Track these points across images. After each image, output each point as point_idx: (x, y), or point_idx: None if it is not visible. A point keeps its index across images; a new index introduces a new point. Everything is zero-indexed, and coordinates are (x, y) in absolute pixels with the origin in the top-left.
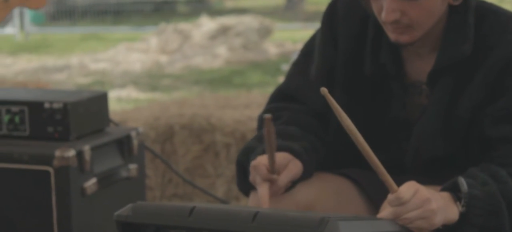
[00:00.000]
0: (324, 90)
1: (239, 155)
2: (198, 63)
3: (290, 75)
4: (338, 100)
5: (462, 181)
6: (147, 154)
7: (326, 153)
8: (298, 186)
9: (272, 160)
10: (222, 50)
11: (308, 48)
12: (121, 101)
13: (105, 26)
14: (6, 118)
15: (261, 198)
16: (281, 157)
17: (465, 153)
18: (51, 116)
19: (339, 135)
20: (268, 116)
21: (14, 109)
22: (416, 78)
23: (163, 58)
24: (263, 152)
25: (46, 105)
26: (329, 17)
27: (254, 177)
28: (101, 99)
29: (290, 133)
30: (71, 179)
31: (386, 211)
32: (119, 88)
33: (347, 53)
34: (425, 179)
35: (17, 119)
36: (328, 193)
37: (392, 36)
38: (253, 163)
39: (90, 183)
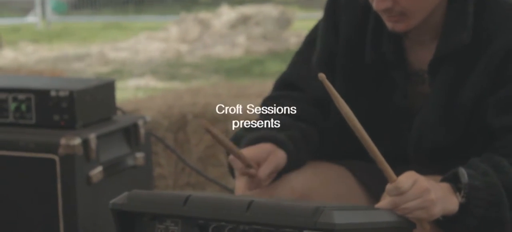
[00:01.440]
0: (322, 76)
1: (241, 129)
2: (218, 52)
3: (293, 64)
4: (338, 89)
5: (463, 172)
6: (160, 143)
7: (325, 141)
8: (294, 174)
9: (240, 157)
10: (242, 40)
11: (311, 37)
12: (139, 90)
13: (127, 15)
14: (12, 106)
15: (236, 192)
16: (262, 149)
17: (467, 142)
18: (57, 104)
19: (338, 122)
20: (205, 124)
21: (21, 97)
22: (418, 66)
23: (183, 47)
24: (249, 142)
25: (53, 93)
26: (332, 5)
27: (232, 166)
28: (108, 87)
29: (280, 122)
30: (76, 167)
31: (385, 200)
32: (137, 77)
33: (348, 41)
34: (427, 170)
35: (23, 107)
36: (325, 182)
37: (388, 24)
38: (230, 157)
39: (96, 172)
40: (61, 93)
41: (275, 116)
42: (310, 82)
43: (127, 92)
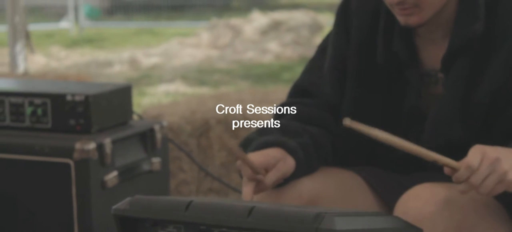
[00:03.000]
0: (347, 122)
1: (239, 144)
2: (249, 58)
3: (306, 71)
4: (350, 92)
5: None
6: (184, 148)
7: (337, 147)
8: (302, 179)
9: (248, 164)
10: (273, 46)
11: (324, 45)
12: (168, 95)
13: (160, 21)
14: (29, 110)
15: (243, 197)
16: (271, 155)
17: (483, 138)
18: (73, 108)
19: (350, 128)
20: (236, 150)
21: (37, 101)
22: (431, 66)
23: (214, 53)
24: (258, 146)
25: (68, 98)
26: (343, 10)
27: (240, 172)
28: (124, 92)
29: (290, 128)
30: (91, 172)
31: (460, 187)
32: (167, 82)
33: (359, 43)
34: (441, 176)
35: (39, 111)
36: (333, 187)
37: (401, 19)
38: (238, 163)
39: (111, 176)
40: (77, 98)
41: (287, 122)
42: (322, 88)
43: (156, 97)
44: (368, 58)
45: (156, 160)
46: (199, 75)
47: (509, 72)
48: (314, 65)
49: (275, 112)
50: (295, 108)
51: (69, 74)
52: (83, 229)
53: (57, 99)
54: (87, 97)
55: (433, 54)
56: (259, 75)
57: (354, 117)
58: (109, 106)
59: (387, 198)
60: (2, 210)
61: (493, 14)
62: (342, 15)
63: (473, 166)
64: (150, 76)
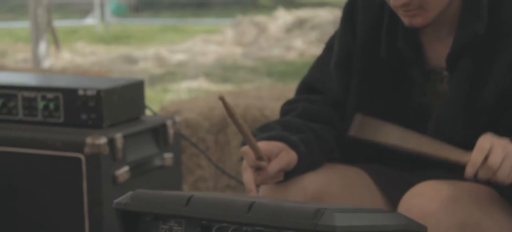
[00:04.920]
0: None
1: (241, 142)
2: (273, 55)
3: (313, 68)
4: (355, 88)
5: None
6: (201, 144)
7: (342, 142)
8: (307, 174)
9: (254, 147)
10: (297, 43)
11: (331, 43)
12: (191, 92)
13: (185, 18)
14: (41, 104)
15: (245, 183)
16: (274, 145)
17: None
18: (85, 103)
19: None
20: (220, 96)
21: (49, 95)
22: (436, 63)
23: (238, 50)
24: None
25: (80, 92)
26: (350, 7)
27: (243, 157)
28: (137, 87)
29: (292, 125)
30: (102, 167)
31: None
32: (191, 79)
33: (364, 40)
34: (446, 174)
35: (52, 105)
36: (338, 183)
37: (405, 20)
38: (244, 148)
39: (122, 171)
40: (89, 92)
41: (290, 118)
42: (329, 84)
43: (178, 94)
44: (373, 55)
45: (168, 156)
46: (222, 72)
47: None
48: (322, 62)
49: (281, 109)
50: (301, 104)
51: (89, 70)
52: (93, 224)
53: (69, 94)
54: (99, 92)
55: (438, 51)
56: (282, 73)
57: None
58: (121, 101)
59: (393, 195)
60: (13, 204)
61: (497, 14)
62: (349, 12)
63: (484, 147)
64: (174, 73)
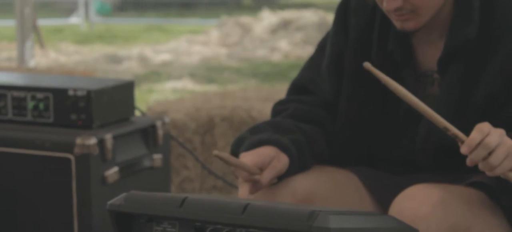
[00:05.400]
0: (367, 65)
1: (232, 145)
2: (258, 56)
3: (304, 69)
4: (346, 90)
5: None
6: (188, 145)
7: (332, 144)
8: (297, 176)
9: (247, 168)
10: (282, 44)
11: (323, 44)
12: (175, 92)
13: (170, 18)
14: (31, 104)
15: (241, 197)
16: (266, 153)
17: None
18: (74, 103)
19: (346, 125)
20: (216, 153)
21: (39, 95)
22: (428, 67)
23: (223, 51)
24: (251, 145)
25: (70, 93)
26: (342, 8)
27: (235, 175)
28: (127, 88)
29: (283, 126)
30: (91, 167)
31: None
32: (176, 79)
33: (356, 42)
34: (435, 178)
35: (41, 105)
36: (328, 185)
37: (397, 24)
38: (233, 167)
39: (112, 172)
40: (79, 93)
41: (280, 119)
42: (320, 85)
43: (163, 94)
44: (364, 57)
45: (157, 157)
46: (207, 73)
47: (505, 76)
48: (313, 63)
49: (273, 109)
50: (292, 105)
51: (75, 70)
52: (83, 224)
53: (59, 94)
54: (89, 92)
55: (429, 54)
56: (267, 74)
57: (350, 115)
58: (111, 102)
59: (382, 198)
60: (2, 204)
61: (488, 18)
62: (341, 14)
63: (483, 130)
64: (159, 73)
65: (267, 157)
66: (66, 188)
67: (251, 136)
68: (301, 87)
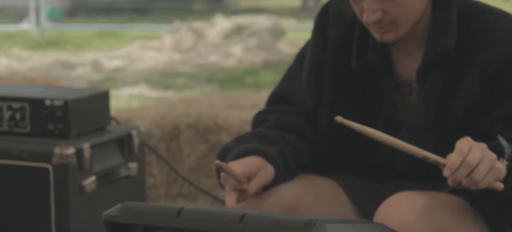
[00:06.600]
0: (339, 118)
1: (217, 154)
2: (212, 62)
3: (284, 79)
4: (326, 100)
5: (501, 138)
6: (153, 153)
7: (314, 153)
8: (281, 186)
9: (236, 177)
10: (236, 50)
11: (302, 54)
12: (132, 99)
13: (121, 24)
14: (7, 114)
15: (228, 206)
16: (253, 163)
17: None
18: (51, 113)
19: (327, 134)
20: (218, 163)
21: (15, 105)
22: (406, 76)
23: (177, 57)
24: (237, 155)
25: (47, 102)
26: (321, 19)
27: (223, 184)
28: (102, 97)
29: (268, 136)
30: (70, 177)
31: (452, 175)
32: (131, 85)
33: (335, 52)
34: (416, 185)
35: (18, 115)
36: (311, 194)
37: (377, 36)
38: (223, 176)
39: (89, 181)
40: (56, 102)
41: (265, 130)
42: (300, 95)
43: (120, 100)
44: (344, 67)
45: (133, 165)
46: (162, 78)
47: (483, 86)
48: (292, 73)
49: (253, 120)
50: (273, 115)
51: (36, 77)
52: None
53: (36, 104)
54: (66, 102)
55: (408, 65)
56: (222, 79)
57: (331, 125)
58: (87, 111)
59: (362, 205)
60: None
61: (466, 29)
62: (320, 23)
63: (463, 151)
64: (114, 79)
65: (254, 167)
66: (44, 198)
67: (237, 145)
68: (280, 97)
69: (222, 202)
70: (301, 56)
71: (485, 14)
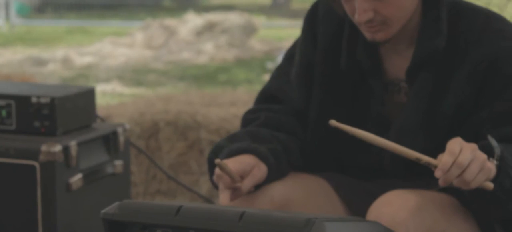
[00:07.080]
0: (333, 122)
1: (210, 152)
2: (184, 59)
3: (273, 78)
4: (316, 98)
5: (491, 138)
6: (131, 150)
7: (304, 151)
8: (274, 184)
9: (230, 175)
10: (207, 47)
11: (291, 53)
12: (105, 95)
13: (91, 20)
14: None
15: (222, 204)
16: (246, 162)
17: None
18: (38, 110)
19: (316, 133)
20: (218, 162)
21: (1, 103)
22: (395, 75)
23: (149, 53)
24: (230, 153)
25: (33, 100)
26: (311, 17)
27: (217, 181)
28: (88, 95)
29: (260, 135)
30: (56, 174)
31: (443, 176)
32: (103, 82)
33: (325, 51)
34: (406, 183)
35: (4, 113)
36: (302, 192)
37: (367, 35)
38: (217, 173)
39: (76, 179)
40: (42, 100)
41: (256, 129)
42: (290, 94)
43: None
44: (333, 65)
45: (118, 163)
46: (134, 75)
47: (472, 85)
48: (281, 72)
49: (243, 118)
50: (263, 114)
51: (11, 74)
52: (47, 231)
53: (22, 101)
54: (53, 99)
55: (397, 64)
56: (195, 76)
57: (321, 123)
58: (74, 109)
59: (352, 203)
60: None
61: (455, 28)
62: (310, 22)
63: (455, 152)
64: (86, 76)
65: (248, 165)
66: (30, 195)
67: (230, 144)
68: (270, 96)
69: (204, 198)
70: (290, 55)
71: (474, 14)
